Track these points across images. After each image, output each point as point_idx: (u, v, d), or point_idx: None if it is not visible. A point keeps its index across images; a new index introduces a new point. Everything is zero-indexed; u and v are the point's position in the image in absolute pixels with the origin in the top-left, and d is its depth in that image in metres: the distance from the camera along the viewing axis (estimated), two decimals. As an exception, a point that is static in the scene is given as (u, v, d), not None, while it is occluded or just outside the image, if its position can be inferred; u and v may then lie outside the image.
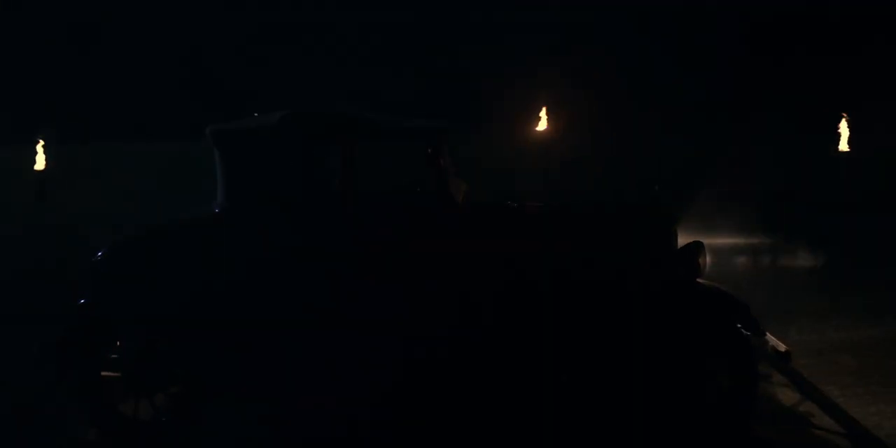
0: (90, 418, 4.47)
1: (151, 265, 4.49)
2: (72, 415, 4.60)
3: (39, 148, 8.06)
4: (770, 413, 4.70)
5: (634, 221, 4.69)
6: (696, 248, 4.54)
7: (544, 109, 8.95)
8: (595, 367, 4.40)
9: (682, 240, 4.64)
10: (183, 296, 4.41)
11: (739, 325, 4.33)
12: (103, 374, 4.43)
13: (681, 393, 4.35)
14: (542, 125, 8.98)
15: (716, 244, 7.84)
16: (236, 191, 4.54)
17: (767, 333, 4.44)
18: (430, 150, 4.45)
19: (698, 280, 4.50)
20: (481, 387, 4.46)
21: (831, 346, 5.88)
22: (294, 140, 4.55)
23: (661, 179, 5.10)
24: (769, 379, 5.18)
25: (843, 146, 8.96)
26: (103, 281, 4.53)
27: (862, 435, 4.43)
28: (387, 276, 4.46)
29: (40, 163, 8.13)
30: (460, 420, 4.55)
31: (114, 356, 4.48)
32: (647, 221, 4.67)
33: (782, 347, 4.36)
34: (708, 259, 4.58)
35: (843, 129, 8.90)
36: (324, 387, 4.49)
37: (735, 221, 8.79)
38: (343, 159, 4.60)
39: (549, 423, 4.48)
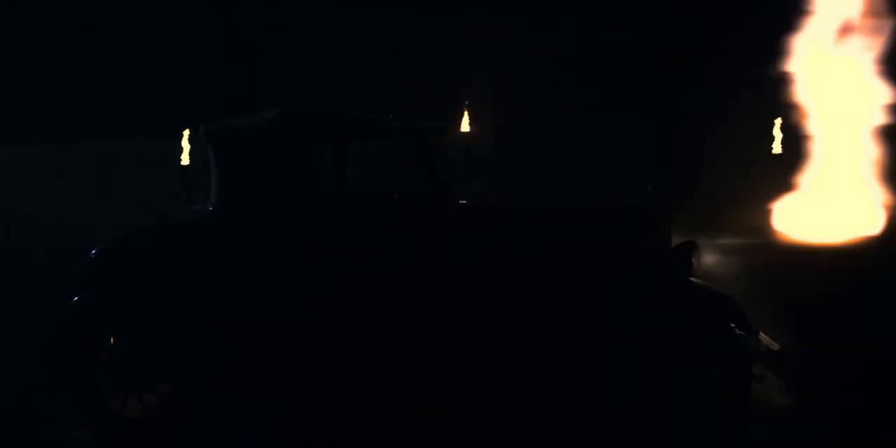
0: (83, 416, 4.47)
1: (145, 264, 4.50)
2: (65, 413, 4.60)
3: None
4: (764, 413, 4.69)
5: (628, 221, 4.69)
6: (690, 247, 4.54)
7: (465, 111, 8.95)
8: (588, 366, 4.40)
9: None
10: (176, 295, 4.42)
11: (733, 325, 4.33)
12: (97, 372, 4.44)
13: (673, 392, 4.34)
14: (465, 126, 8.99)
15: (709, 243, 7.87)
16: (230, 190, 4.54)
17: (760, 333, 4.44)
18: (423, 149, 4.46)
19: (692, 279, 4.50)
20: (477, 384, 4.46)
21: (827, 347, 5.87)
22: (288, 139, 4.54)
23: (652, 180, 5.10)
24: (763, 380, 5.17)
25: (777, 148, 8.98)
26: (97, 279, 4.54)
27: (858, 436, 4.42)
28: (382, 275, 4.46)
29: None
30: (457, 417, 4.56)
31: (107, 354, 4.49)
32: (641, 221, 4.67)
33: (776, 347, 4.35)
34: (701, 258, 4.58)
35: (777, 131, 8.93)
36: (319, 386, 4.49)
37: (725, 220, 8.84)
38: (336, 158, 4.61)
39: (544, 422, 4.49)
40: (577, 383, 4.43)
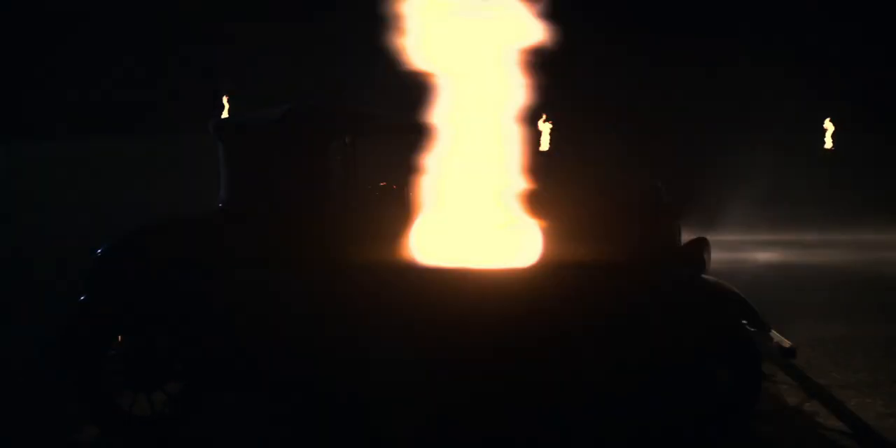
0: (91, 415, 4.43)
1: (153, 261, 4.46)
2: (71, 413, 4.55)
3: None
4: (774, 412, 4.67)
5: (636, 217, 4.66)
6: (701, 243, 4.52)
7: None
8: (597, 364, 4.36)
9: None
10: (184, 292, 4.38)
11: (745, 322, 4.30)
12: (104, 370, 4.40)
13: (684, 390, 4.32)
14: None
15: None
16: (239, 186, 4.51)
17: (772, 330, 4.41)
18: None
19: (703, 276, 4.48)
20: (486, 381, 4.43)
21: (838, 345, 5.85)
22: (297, 134, 4.48)
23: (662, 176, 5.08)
24: (773, 378, 5.15)
25: (544, 146, 8.95)
26: (105, 277, 4.51)
27: (868, 435, 4.39)
28: (392, 273, 4.42)
29: None
30: (461, 412, 4.54)
31: (114, 353, 4.45)
32: (649, 217, 4.64)
33: (787, 343, 4.32)
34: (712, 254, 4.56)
35: (543, 128, 8.87)
36: (322, 382, 4.46)
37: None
38: (346, 154, 4.57)
39: (551, 419, 4.45)
40: (583, 382, 4.40)
